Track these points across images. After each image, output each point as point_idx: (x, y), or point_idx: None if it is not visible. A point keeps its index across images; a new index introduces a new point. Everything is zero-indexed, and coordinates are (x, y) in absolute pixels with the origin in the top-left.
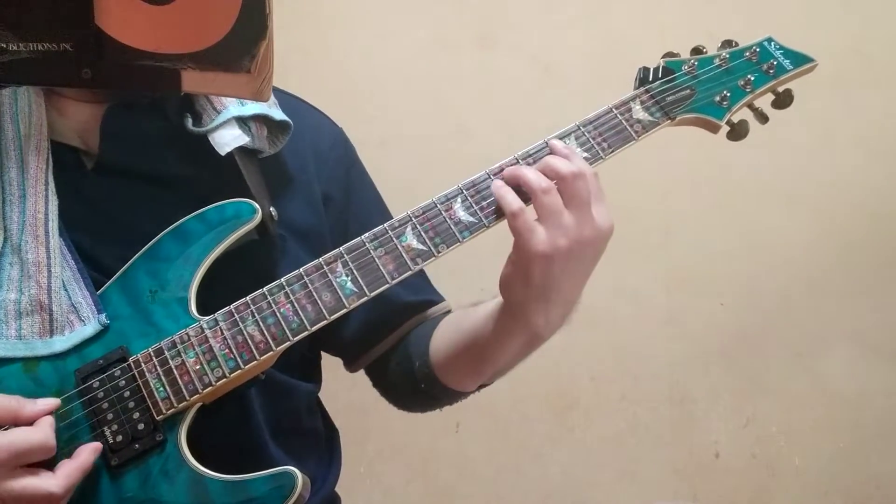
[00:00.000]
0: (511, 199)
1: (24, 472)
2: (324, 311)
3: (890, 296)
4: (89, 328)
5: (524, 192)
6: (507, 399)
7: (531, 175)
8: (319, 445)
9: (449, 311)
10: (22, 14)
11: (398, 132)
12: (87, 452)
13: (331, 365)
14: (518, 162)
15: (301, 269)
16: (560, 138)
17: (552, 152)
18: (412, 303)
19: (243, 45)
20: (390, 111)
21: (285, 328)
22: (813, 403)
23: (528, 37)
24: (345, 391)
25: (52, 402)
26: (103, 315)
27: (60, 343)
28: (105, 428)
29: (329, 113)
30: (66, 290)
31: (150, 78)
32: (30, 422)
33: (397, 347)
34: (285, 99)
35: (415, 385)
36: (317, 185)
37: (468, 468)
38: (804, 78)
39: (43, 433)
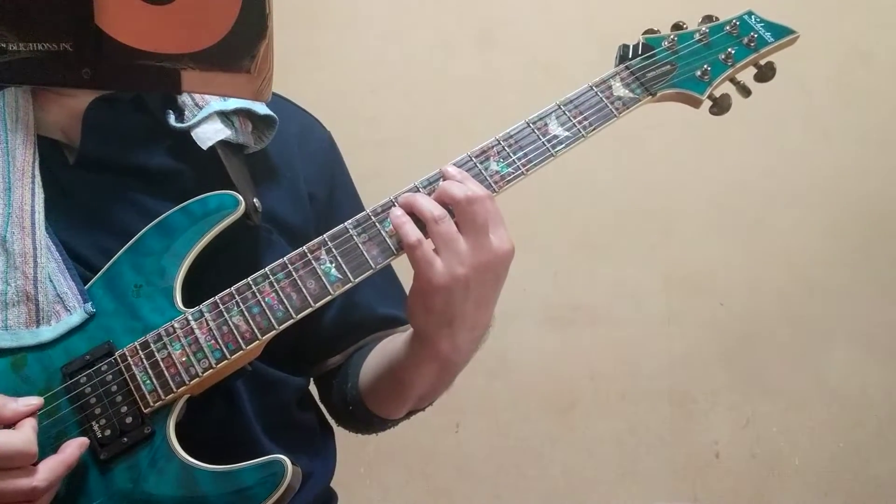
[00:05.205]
0: (409, 230)
1: (2, 471)
2: (309, 298)
3: (890, 296)
4: (75, 317)
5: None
6: (507, 399)
7: (424, 203)
8: (312, 440)
9: None
10: (22, 14)
11: (398, 132)
12: (73, 447)
13: None
14: (418, 190)
15: (285, 258)
16: (540, 118)
17: (445, 179)
18: (384, 316)
19: (243, 45)
20: (390, 111)
21: (270, 317)
22: (813, 403)
23: (528, 37)
24: None
25: (34, 402)
26: (89, 304)
27: (47, 332)
28: (93, 423)
29: (329, 113)
30: (51, 281)
31: (150, 78)
32: (11, 423)
33: (346, 363)
34: (274, 99)
35: (346, 406)
36: (303, 183)
37: (468, 468)
38: (804, 78)
39: (24, 437)
